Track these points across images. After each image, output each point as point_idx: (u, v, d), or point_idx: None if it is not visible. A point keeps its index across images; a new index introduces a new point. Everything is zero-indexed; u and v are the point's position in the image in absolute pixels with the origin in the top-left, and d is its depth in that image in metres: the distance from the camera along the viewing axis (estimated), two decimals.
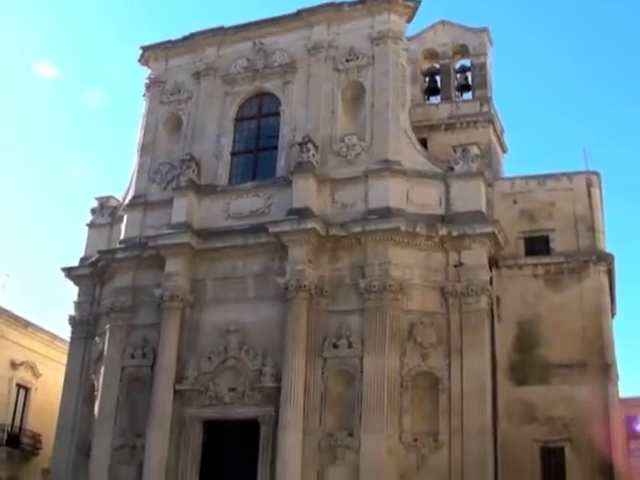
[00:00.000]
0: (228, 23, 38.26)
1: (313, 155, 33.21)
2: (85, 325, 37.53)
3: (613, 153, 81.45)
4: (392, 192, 32.14)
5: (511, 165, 44.28)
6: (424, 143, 36.76)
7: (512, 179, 36.07)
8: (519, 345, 32.45)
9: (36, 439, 42.47)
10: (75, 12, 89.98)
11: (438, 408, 29.66)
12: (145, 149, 38.07)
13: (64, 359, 38.92)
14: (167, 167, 36.93)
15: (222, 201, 34.82)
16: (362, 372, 29.86)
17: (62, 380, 37.90)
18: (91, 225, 39.63)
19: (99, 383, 34.58)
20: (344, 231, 31.75)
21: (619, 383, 33.01)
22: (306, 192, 32.72)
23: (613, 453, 30.68)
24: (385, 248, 31.05)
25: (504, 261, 33.24)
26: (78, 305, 38.26)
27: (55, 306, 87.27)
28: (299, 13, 36.82)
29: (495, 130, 39.48)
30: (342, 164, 33.67)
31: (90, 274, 37.79)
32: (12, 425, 42.06)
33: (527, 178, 35.36)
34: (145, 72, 40.09)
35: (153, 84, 39.28)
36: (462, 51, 41.80)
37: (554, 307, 32.56)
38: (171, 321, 33.02)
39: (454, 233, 31.27)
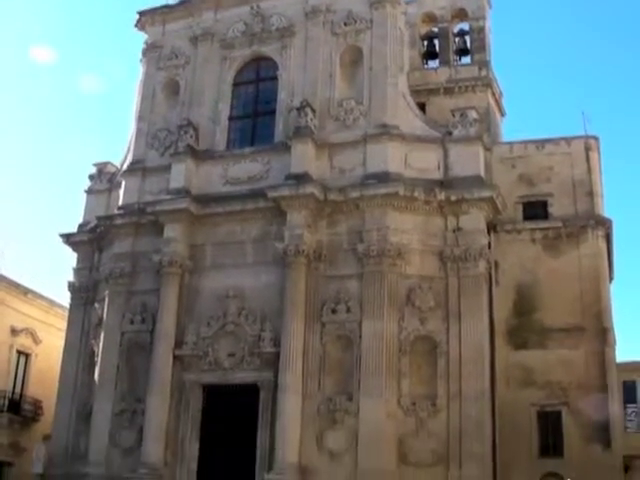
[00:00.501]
0: None
1: (311, 120, 33.07)
2: (84, 291, 37.60)
3: (612, 117, 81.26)
4: (390, 157, 32.08)
5: (510, 129, 44.32)
6: (422, 107, 36.62)
7: (510, 143, 36.05)
8: (517, 309, 32.56)
9: (37, 405, 42.63)
10: None
11: (436, 372, 29.83)
12: (142, 115, 37.85)
13: (64, 325, 39.02)
14: (165, 133, 36.80)
15: (220, 166, 34.73)
16: (361, 337, 30.01)
17: (62, 346, 38.04)
18: (89, 191, 39.56)
19: (99, 349, 34.73)
20: (342, 196, 31.72)
21: (616, 347, 33.15)
22: (304, 157, 32.64)
23: (610, 417, 30.91)
24: (383, 213, 31.05)
25: (502, 226, 33.25)
26: (77, 271, 38.32)
27: (54, 273, 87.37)
28: None
29: (493, 94, 39.32)
30: (340, 128, 33.55)
31: (89, 240, 37.80)
32: (13, 391, 42.17)
33: (525, 142, 35.31)
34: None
35: (150, 49, 38.95)
36: (461, 14, 41.52)
37: (552, 272, 32.61)
38: (170, 287, 33.09)
39: (452, 198, 31.25)
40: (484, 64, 39.24)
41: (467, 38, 41.30)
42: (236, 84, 36.90)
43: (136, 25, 39.73)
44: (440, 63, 40.97)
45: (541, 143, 35.02)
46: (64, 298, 40.47)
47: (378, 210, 31.10)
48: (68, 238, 38.65)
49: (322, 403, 29.90)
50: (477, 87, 38.45)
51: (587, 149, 34.61)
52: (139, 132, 37.58)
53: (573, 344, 31.77)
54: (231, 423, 31.25)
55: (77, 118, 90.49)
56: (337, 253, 31.53)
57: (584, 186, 34.05)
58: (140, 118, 37.88)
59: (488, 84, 38.64)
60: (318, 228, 31.89)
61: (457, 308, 30.22)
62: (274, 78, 35.95)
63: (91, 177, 39.67)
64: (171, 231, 33.63)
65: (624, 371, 35.62)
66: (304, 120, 32.93)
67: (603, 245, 33.55)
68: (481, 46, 39.95)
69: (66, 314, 39.34)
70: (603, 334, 31.90)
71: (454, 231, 31.21)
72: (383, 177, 31.56)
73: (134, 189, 36.27)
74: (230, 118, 36.27)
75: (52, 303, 44.57)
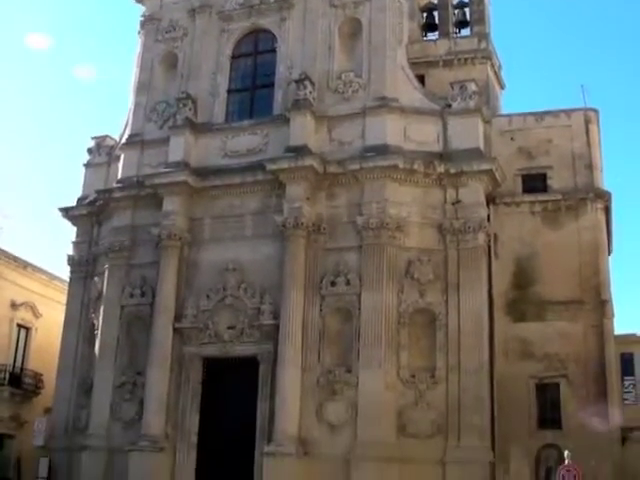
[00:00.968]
0: None
1: (310, 92, 32.97)
2: (84, 265, 37.64)
3: (611, 90, 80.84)
4: (389, 129, 32.01)
5: (509, 102, 44.10)
6: (421, 80, 36.32)
7: (510, 116, 35.82)
8: (516, 282, 32.52)
9: (37, 379, 42.74)
10: None
11: (435, 345, 29.96)
12: (141, 88, 37.68)
13: (64, 299, 39.11)
14: (163, 105, 36.64)
15: (219, 139, 34.63)
16: (360, 309, 30.10)
17: (62, 320, 38.13)
18: (88, 165, 39.45)
19: (99, 322, 34.84)
20: (341, 168, 31.69)
21: (614, 320, 33.20)
22: (303, 129, 32.56)
23: (608, 389, 31.02)
24: (382, 185, 31.03)
25: (501, 198, 33.17)
26: (76, 245, 38.35)
27: (53, 247, 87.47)
28: None
29: (493, 66, 39.07)
30: (339, 101, 33.44)
31: (88, 214, 37.80)
32: (14, 365, 42.28)
33: (525, 115, 35.10)
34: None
35: (148, 21, 38.69)
36: None
37: (551, 244, 32.56)
38: (169, 260, 33.12)
39: (452, 170, 31.22)
40: (483, 36, 38.95)
41: (466, 10, 40.94)
42: (234, 57, 36.69)
43: None
44: (439, 35, 40.64)
45: (540, 116, 34.83)
46: (64, 272, 40.64)
47: (377, 183, 31.09)
48: (67, 212, 38.65)
49: (321, 375, 30.03)
50: (476, 59, 38.12)
51: (587, 122, 34.44)
52: (137, 105, 37.43)
53: (572, 316, 31.78)
54: (231, 395, 31.46)
55: (75, 97, 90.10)
56: (336, 226, 31.54)
57: (583, 159, 33.92)
58: (138, 91, 37.71)
59: (487, 56, 38.37)
60: (317, 201, 31.87)
61: (456, 280, 30.29)
62: (273, 51, 35.80)
63: (89, 151, 39.54)
64: (170, 204, 33.62)
65: (622, 343, 35.57)
66: (303, 93, 32.82)
67: (602, 218, 33.48)
68: (480, 18, 39.63)
69: (66, 288, 39.46)
70: (601, 307, 31.89)
71: (453, 204, 31.21)
72: (382, 150, 31.52)
73: (133, 162, 36.20)
74: (229, 91, 36.10)
75: (52, 277, 44.62)
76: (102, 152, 39.11)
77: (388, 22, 33.86)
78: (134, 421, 32.39)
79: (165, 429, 31.54)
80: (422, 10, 41.77)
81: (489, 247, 31.62)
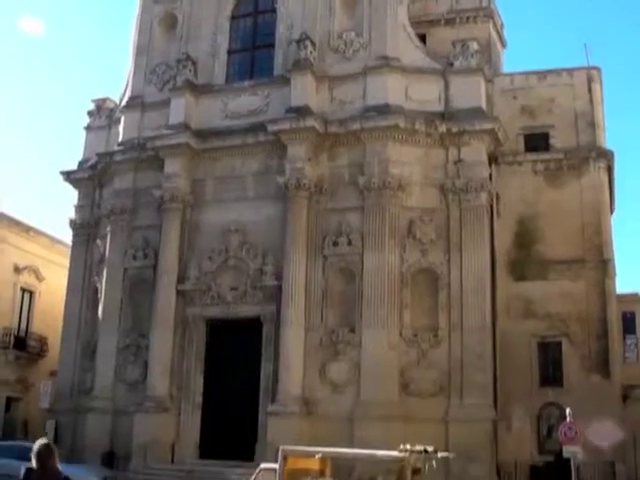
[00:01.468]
0: None
1: (311, 52, 32.78)
2: (86, 228, 37.74)
3: (614, 48, 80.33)
4: (391, 89, 31.85)
5: (511, 61, 43.82)
6: (423, 39, 36.11)
7: (512, 75, 35.67)
8: (518, 241, 32.58)
9: (42, 342, 43.01)
10: None
11: (438, 304, 30.06)
12: (140, 50, 37.46)
13: (66, 262, 39.23)
14: (163, 67, 36.45)
15: (220, 100, 34.47)
16: (362, 269, 30.13)
17: (65, 283, 38.29)
18: (88, 128, 39.37)
19: (102, 285, 34.96)
20: (343, 128, 31.58)
21: (616, 279, 33.27)
22: (304, 90, 32.40)
23: (609, 348, 31.19)
24: (384, 145, 30.94)
25: (504, 157, 33.13)
26: (78, 208, 38.40)
27: (56, 211, 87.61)
28: None
29: (495, 25, 38.76)
30: (340, 61, 33.23)
31: (89, 177, 37.80)
32: (18, 328, 42.54)
33: (527, 74, 34.98)
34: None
35: None
36: None
37: (553, 204, 32.54)
38: (171, 222, 33.17)
39: (453, 130, 31.11)
40: None
41: None
42: (234, 17, 36.46)
43: None
44: None
45: (543, 74, 34.69)
46: (66, 236, 40.68)
47: (379, 142, 30.99)
48: (69, 175, 38.65)
49: (324, 335, 30.17)
50: (478, 18, 37.86)
51: (589, 80, 34.28)
52: (137, 67, 37.23)
53: (574, 276, 31.87)
54: (235, 356, 31.62)
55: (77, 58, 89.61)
56: (338, 186, 31.52)
57: (586, 117, 33.80)
58: (138, 53, 37.51)
59: (489, 15, 38.09)
60: (319, 161, 31.82)
61: (458, 240, 30.30)
62: (273, 11, 35.55)
63: (90, 113, 39.41)
64: (171, 166, 33.60)
65: (623, 302, 35.79)
66: (304, 53, 32.64)
67: (604, 177, 33.44)
68: None
69: (68, 251, 39.52)
70: (604, 266, 31.97)
71: (455, 163, 31.14)
72: (383, 109, 31.38)
73: (134, 125, 36.10)
74: (229, 52, 35.94)
75: (54, 240, 44.68)
76: (102, 115, 39.01)
77: None
78: (138, 383, 32.67)
79: (169, 390, 31.80)
80: None
81: (491, 207, 31.57)
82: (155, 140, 34.04)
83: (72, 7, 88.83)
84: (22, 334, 42.53)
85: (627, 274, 71.30)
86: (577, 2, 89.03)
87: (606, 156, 33.41)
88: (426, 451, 16.22)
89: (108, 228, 35.16)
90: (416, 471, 17.05)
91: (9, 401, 41.42)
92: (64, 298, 37.95)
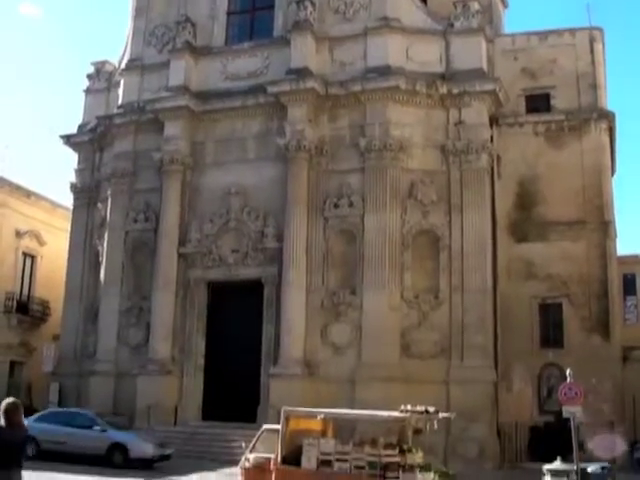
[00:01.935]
0: None
1: (311, 13, 32.53)
2: (87, 192, 37.72)
3: (616, 9, 79.57)
4: (391, 50, 31.65)
5: (512, 21, 43.47)
6: None
7: (513, 35, 35.39)
8: (519, 203, 32.54)
9: (44, 306, 43.03)
10: None
11: (439, 266, 30.06)
12: (139, 12, 37.18)
13: (67, 226, 39.22)
14: (162, 29, 36.19)
15: (219, 62, 34.28)
16: (363, 231, 30.13)
17: (67, 247, 38.32)
18: (88, 91, 39.17)
19: (103, 249, 35.03)
20: (343, 90, 31.41)
21: (617, 241, 33.31)
22: (304, 51, 32.21)
23: (609, 309, 31.27)
24: (385, 106, 30.78)
25: (505, 119, 32.98)
26: (79, 172, 38.34)
27: (56, 175, 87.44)
28: None
29: None
30: (341, 21, 32.98)
31: (89, 140, 37.71)
32: (20, 293, 42.56)
33: (528, 34, 34.69)
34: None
35: None
36: None
37: (554, 165, 32.44)
38: (172, 185, 33.13)
39: (454, 91, 30.93)
40: None
41: None
42: None
43: None
44: None
45: (544, 35, 34.42)
46: (67, 200, 40.64)
47: (380, 104, 30.84)
48: (68, 139, 38.58)
49: (326, 297, 30.23)
50: None
51: (591, 41, 34.01)
52: (136, 29, 36.97)
53: (574, 237, 31.85)
54: (236, 319, 31.74)
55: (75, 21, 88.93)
56: (339, 148, 31.41)
57: (587, 78, 33.57)
58: (137, 15, 37.26)
59: None
60: (319, 123, 31.68)
61: (459, 202, 30.23)
62: None
63: (89, 77, 39.18)
64: (171, 129, 33.49)
65: (624, 264, 35.91)
66: (303, 13, 32.40)
67: (606, 138, 33.29)
68: None
69: (69, 215, 39.46)
70: (604, 227, 31.95)
71: (456, 124, 31.00)
72: (384, 70, 31.19)
73: (133, 87, 35.93)
74: (228, 13, 35.67)
75: (55, 205, 44.55)
76: (102, 78, 38.80)
77: None
78: (141, 346, 32.82)
79: (172, 353, 31.98)
80: None
81: (492, 168, 31.46)
82: (155, 103, 33.89)
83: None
84: (24, 298, 42.54)
85: (628, 236, 71.35)
86: None
87: (607, 117, 33.22)
88: (427, 412, 16.26)
89: (109, 191, 35.14)
90: (417, 431, 17.16)
91: (13, 365, 41.53)
92: (66, 262, 38.03)
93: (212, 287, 32.55)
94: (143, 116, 34.64)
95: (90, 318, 35.69)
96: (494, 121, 32.15)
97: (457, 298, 29.58)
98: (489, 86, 31.10)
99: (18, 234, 42.07)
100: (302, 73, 31.55)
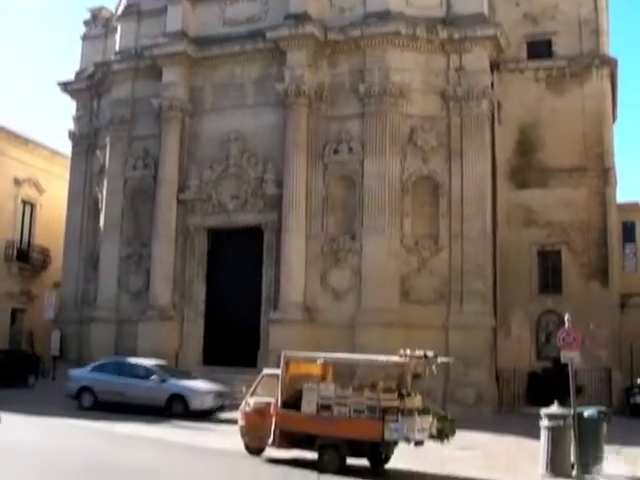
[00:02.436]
0: None
1: None
2: (85, 139, 37.62)
3: None
4: None
5: None
6: None
7: None
8: (519, 149, 32.40)
9: (45, 254, 43.08)
10: None
11: (438, 212, 30.02)
12: None
13: (66, 174, 39.13)
14: None
15: (217, 7, 33.90)
16: (363, 176, 30.03)
17: (66, 195, 38.29)
18: (85, 37, 38.89)
19: (102, 196, 35.00)
20: (343, 35, 31.08)
21: (617, 188, 33.23)
22: None
23: (608, 256, 31.33)
24: (384, 52, 30.48)
25: (506, 65, 32.70)
26: (77, 119, 38.20)
27: (54, 122, 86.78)
28: None
29: None
30: None
31: (87, 87, 37.49)
32: (21, 241, 42.58)
33: None
34: None
35: None
36: None
37: (555, 111, 32.23)
38: (171, 131, 33.01)
39: (455, 36, 30.61)
40: None
41: None
42: None
43: None
44: None
45: None
46: (66, 147, 40.48)
47: (379, 49, 30.54)
48: (66, 86, 38.33)
49: (326, 243, 30.27)
50: None
51: None
52: None
53: (575, 184, 31.77)
54: (236, 265, 31.85)
55: None
56: (338, 93, 31.18)
57: (590, 24, 33.24)
58: None
59: None
60: (319, 68, 31.42)
61: (459, 148, 30.07)
62: None
63: (86, 23, 38.87)
64: (170, 75, 33.26)
65: (623, 211, 35.89)
66: None
67: (607, 85, 33.03)
68: None
69: (68, 163, 39.38)
70: (605, 174, 31.85)
71: (456, 70, 30.73)
72: (384, 15, 30.83)
73: (130, 33, 35.59)
74: None
75: (53, 152, 44.32)
76: (99, 24, 38.51)
77: None
78: (141, 292, 32.98)
79: (172, 299, 32.15)
80: None
81: (492, 114, 31.27)
82: (152, 49, 33.60)
83: None
84: (24, 246, 42.56)
85: (628, 184, 71.19)
86: None
87: (609, 63, 32.94)
88: (426, 356, 16.34)
89: (107, 138, 35.01)
90: (416, 376, 17.23)
91: (14, 313, 41.71)
92: (65, 210, 38.02)
93: (212, 233, 32.59)
94: (141, 62, 34.37)
95: (90, 265, 35.80)
96: (495, 67, 31.90)
97: (457, 244, 29.58)
98: (490, 31, 30.75)
99: (17, 182, 41.96)
100: (301, 18, 31.22)
